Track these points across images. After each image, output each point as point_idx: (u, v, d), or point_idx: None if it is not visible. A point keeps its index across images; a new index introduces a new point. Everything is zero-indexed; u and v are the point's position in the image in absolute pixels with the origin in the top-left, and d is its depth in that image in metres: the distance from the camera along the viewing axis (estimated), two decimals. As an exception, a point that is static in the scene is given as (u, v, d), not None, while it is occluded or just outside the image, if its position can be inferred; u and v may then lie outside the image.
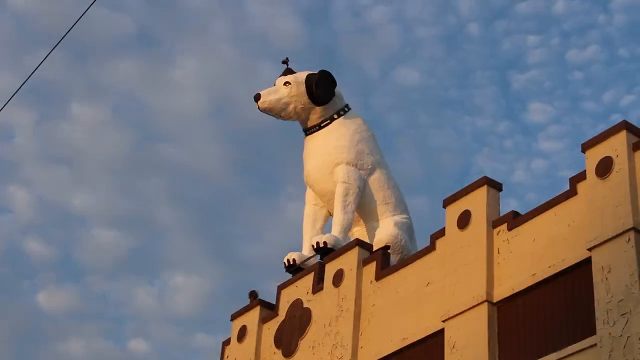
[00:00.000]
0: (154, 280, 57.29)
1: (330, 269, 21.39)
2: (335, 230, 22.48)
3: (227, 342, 23.54)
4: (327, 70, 24.00)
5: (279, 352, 21.76)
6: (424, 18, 58.65)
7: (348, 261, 21.07)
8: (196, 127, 56.33)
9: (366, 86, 57.81)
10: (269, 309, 22.79)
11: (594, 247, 16.95)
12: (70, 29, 15.24)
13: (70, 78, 56.41)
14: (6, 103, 17.36)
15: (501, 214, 19.01)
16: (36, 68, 15.96)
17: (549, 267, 17.60)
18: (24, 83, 16.07)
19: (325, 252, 22.07)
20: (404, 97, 57.95)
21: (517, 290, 17.93)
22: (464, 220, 19.20)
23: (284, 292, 22.43)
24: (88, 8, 13.93)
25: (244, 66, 56.51)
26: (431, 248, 19.77)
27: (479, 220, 18.97)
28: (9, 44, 55.51)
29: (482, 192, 19.17)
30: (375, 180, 23.32)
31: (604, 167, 17.41)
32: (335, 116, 23.92)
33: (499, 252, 18.53)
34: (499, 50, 59.30)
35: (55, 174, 56.16)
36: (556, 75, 58.82)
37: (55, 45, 15.67)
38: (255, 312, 22.86)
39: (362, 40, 58.19)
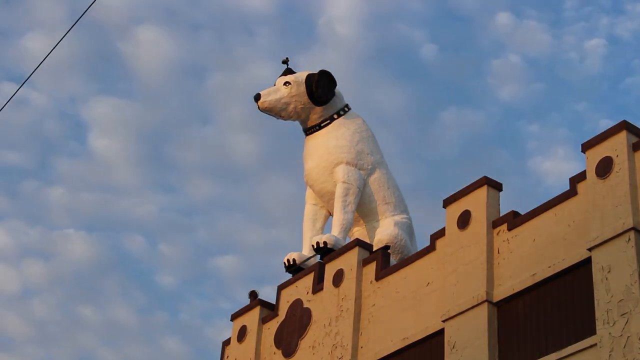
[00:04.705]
0: None
1: (330, 269, 21.38)
2: (335, 230, 22.45)
3: (227, 342, 23.52)
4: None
5: (279, 352, 21.75)
6: None
7: (348, 261, 21.06)
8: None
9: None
10: (269, 309, 22.78)
11: (594, 247, 16.94)
12: (77, 22, 15.30)
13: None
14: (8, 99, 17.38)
15: (501, 214, 19.02)
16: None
17: (549, 267, 17.59)
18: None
19: (325, 252, 22.06)
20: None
21: (517, 290, 17.92)
22: (464, 220, 19.20)
23: (284, 292, 22.42)
24: (89, 7, 13.98)
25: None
26: (431, 248, 19.77)
27: (479, 220, 18.96)
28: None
29: (482, 192, 19.16)
30: (375, 180, 23.31)
31: (604, 167, 17.40)
32: (335, 116, 23.90)
33: (499, 252, 18.52)
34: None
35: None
36: None
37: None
38: (255, 312, 22.84)
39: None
